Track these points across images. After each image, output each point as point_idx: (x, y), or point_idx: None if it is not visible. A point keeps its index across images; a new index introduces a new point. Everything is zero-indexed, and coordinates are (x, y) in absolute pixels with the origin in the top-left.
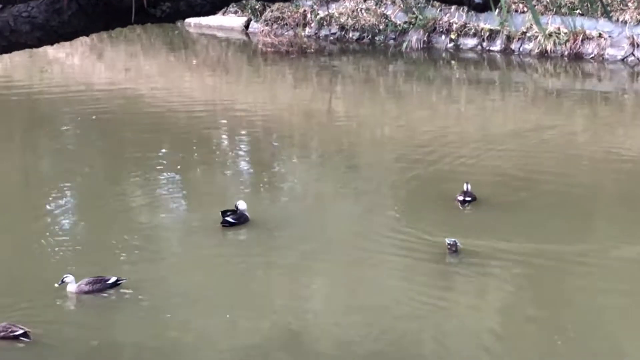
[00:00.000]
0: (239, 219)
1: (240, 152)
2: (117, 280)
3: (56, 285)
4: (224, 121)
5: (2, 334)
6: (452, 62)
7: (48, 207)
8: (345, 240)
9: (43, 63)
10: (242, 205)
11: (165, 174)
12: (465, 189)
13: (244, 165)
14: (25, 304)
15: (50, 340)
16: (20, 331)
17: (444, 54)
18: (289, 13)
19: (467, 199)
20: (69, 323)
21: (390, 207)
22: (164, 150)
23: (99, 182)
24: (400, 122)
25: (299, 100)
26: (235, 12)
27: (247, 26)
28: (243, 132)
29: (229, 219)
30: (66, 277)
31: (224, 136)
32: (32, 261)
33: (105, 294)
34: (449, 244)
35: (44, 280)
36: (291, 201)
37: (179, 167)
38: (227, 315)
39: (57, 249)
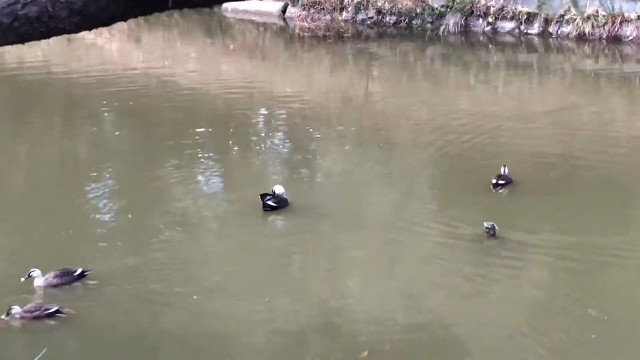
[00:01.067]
0: (279, 203)
1: (277, 136)
2: (83, 272)
3: (22, 279)
4: (261, 105)
5: (36, 313)
6: (490, 45)
7: (85, 191)
8: (381, 223)
9: (81, 48)
10: (279, 189)
11: (202, 158)
12: (502, 172)
13: (281, 149)
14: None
15: (85, 320)
16: (54, 308)
17: (481, 38)
18: None
19: (501, 182)
20: (98, 305)
21: (426, 190)
22: (201, 135)
23: (136, 167)
24: (437, 105)
25: (336, 84)
26: None
27: (284, 11)
28: (280, 116)
29: (270, 202)
30: (32, 271)
31: (261, 120)
32: (70, 245)
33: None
34: (486, 228)
35: (85, 263)
36: (328, 184)
37: (216, 151)
38: (267, 299)
39: (94, 233)
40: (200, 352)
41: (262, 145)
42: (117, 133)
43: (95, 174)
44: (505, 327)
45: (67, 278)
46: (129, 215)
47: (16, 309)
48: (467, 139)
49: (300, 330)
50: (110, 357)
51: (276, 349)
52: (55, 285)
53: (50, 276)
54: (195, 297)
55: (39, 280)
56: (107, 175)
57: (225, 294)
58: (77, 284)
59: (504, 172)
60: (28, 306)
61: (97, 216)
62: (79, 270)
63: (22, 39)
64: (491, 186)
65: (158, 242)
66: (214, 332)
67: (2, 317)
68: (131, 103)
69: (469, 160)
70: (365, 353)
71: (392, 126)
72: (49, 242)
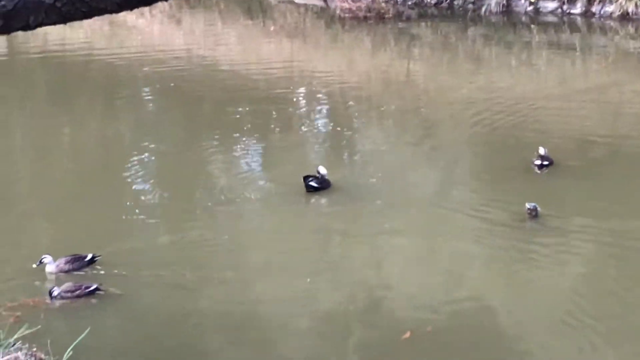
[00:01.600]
0: (322, 184)
1: (319, 117)
2: (93, 257)
3: (34, 266)
4: (302, 86)
5: (77, 292)
6: (532, 25)
7: (127, 171)
8: (423, 204)
9: (122, 30)
10: (322, 170)
11: (243, 138)
12: (542, 153)
13: (322, 129)
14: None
15: (128, 300)
16: (94, 286)
17: (523, 18)
18: None
19: (545, 163)
20: (140, 285)
21: (468, 171)
22: (242, 115)
23: (177, 148)
24: (478, 86)
25: (377, 65)
26: None
27: None
28: (321, 96)
29: (312, 183)
30: (44, 257)
31: (302, 101)
32: (111, 224)
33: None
34: (528, 209)
35: (130, 247)
36: (370, 165)
37: (257, 131)
38: (308, 280)
39: (135, 212)
40: (242, 332)
41: (303, 126)
42: (158, 114)
43: (137, 155)
44: (550, 311)
45: (78, 264)
46: (171, 195)
47: (56, 290)
48: (508, 119)
49: (342, 311)
50: (152, 337)
51: (317, 330)
52: (67, 271)
53: (61, 262)
54: (237, 277)
55: (51, 266)
56: (149, 156)
57: (267, 275)
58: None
59: (544, 152)
60: (67, 285)
61: (139, 196)
62: (90, 256)
63: (64, 18)
64: (535, 167)
65: (200, 223)
66: (255, 313)
67: (47, 300)
68: (172, 84)
69: (511, 140)
70: (408, 334)
71: (433, 106)
72: (91, 221)
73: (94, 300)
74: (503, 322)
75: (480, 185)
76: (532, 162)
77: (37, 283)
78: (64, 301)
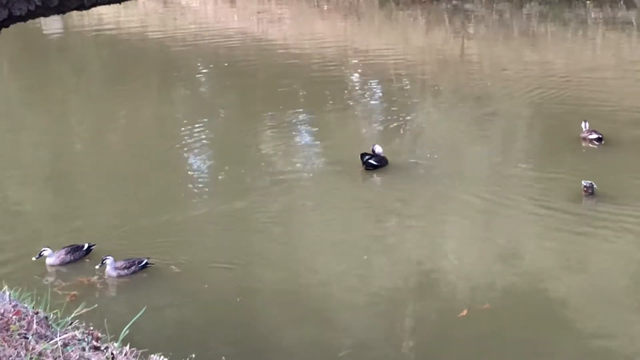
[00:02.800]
0: (380, 162)
1: (373, 96)
2: (90, 247)
3: (33, 259)
4: (356, 65)
5: (133, 268)
6: (587, 2)
7: (182, 149)
8: (478, 182)
9: (176, 10)
10: (378, 148)
11: (298, 117)
12: (584, 127)
13: (376, 107)
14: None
15: (184, 277)
16: (144, 260)
17: None
18: None
19: (598, 137)
20: (195, 262)
21: (523, 148)
22: (295, 94)
23: (232, 128)
24: (533, 63)
25: (432, 43)
26: None
27: None
28: (375, 75)
29: (372, 161)
30: (44, 250)
31: (356, 80)
32: (166, 202)
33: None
34: (585, 187)
35: (184, 222)
36: (424, 143)
37: (312, 110)
38: (365, 257)
39: (191, 190)
40: (297, 308)
41: (358, 104)
42: (212, 92)
43: (191, 133)
44: (607, 290)
45: (78, 254)
46: (225, 172)
47: (110, 268)
48: (564, 95)
49: (398, 288)
50: (207, 314)
51: (373, 307)
52: (67, 262)
53: (61, 253)
54: (292, 254)
55: (50, 259)
56: (203, 134)
57: (322, 252)
58: (87, 259)
59: (586, 126)
60: (120, 263)
61: (194, 173)
62: (86, 245)
63: None
64: (588, 142)
65: (254, 200)
66: (311, 290)
67: (104, 277)
68: (226, 64)
69: (566, 115)
70: (465, 312)
71: (488, 84)
72: (146, 196)
73: (144, 275)
74: (559, 300)
75: (535, 162)
76: (586, 137)
77: (87, 261)
78: (121, 279)
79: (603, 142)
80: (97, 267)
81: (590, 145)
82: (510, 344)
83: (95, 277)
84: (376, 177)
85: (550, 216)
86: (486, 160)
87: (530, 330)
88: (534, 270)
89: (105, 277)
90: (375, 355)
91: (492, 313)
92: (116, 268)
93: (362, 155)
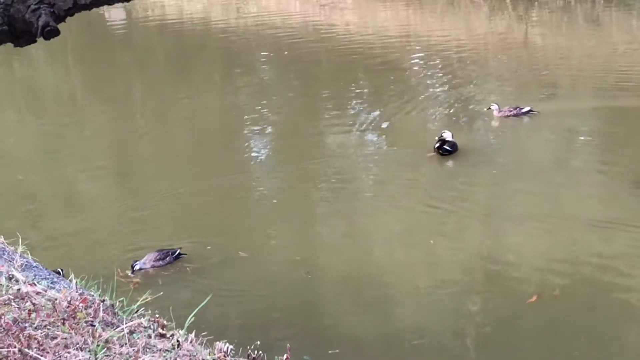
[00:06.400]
0: (453, 147)
1: (436, 82)
2: (180, 253)
3: (128, 273)
4: (419, 52)
5: (167, 259)
6: None
7: (244, 140)
8: (544, 169)
9: (239, 0)
10: (447, 134)
11: (361, 105)
12: None
13: (440, 95)
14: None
15: (250, 265)
16: (177, 250)
17: None
18: None
19: None
20: (261, 250)
21: (588, 136)
22: (359, 83)
23: (295, 117)
24: (598, 50)
25: (495, 29)
26: None
27: None
28: (438, 62)
29: (446, 147)
30: (135, 264)
31: (419, 67)
32: (231, 194)
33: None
34: None
35: (251, 212)
36: (490, 131)
37: (375, 98)
38: (431, 241)
39: (253, 179)
40: (361, 296)
41: (422, 91)
42: (275, 81)
43: (253, 123)
44: None
45: (168, 259)
46: (287, 161)
47: (140, 263)
48: (629, 82)
49: (466, 274)
50: (272, 302)
51: (440, 293)
52: (157, 267)
53: (151, 258)
54: (356, 241)
55: (139, 264)
56: (265, 124)
57: (389, 239)
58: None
59: None
60: (152, 255)
61: (257, 163)
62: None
63: None
64: None
65: (320, 187)
66: (376, 277)
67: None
68: (286, 53)
69: (631, 101)
70: (534, 298)
71: (552, 70)
72: (207, 187)
73: (211, 261)
74: (630, 288)
75: (599, 154)
76: None
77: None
78: (157, 269)
79: None
80: (129, 273)
81: None
82: (579, 331)
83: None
84: (445, 164)
85: (617, 203)
86: (552, 148)
87: (599, 318)
88: (604, 257)
89: (140, 270)
90: (445, 341)
91: (562, 299)
92: (150, 260)
93: (438, 141)
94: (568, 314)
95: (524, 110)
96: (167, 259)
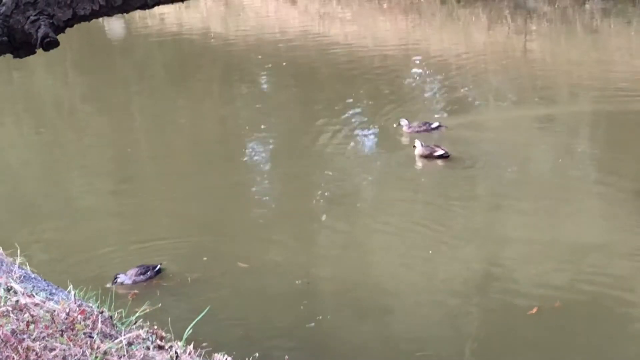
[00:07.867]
0: (442, 156)
1: (435, 94)
2: (160, 269)
3: (108, 285)
4: (418, 63)
5: (148, 273)
6: None
7: (243, 152)
8: (543, 178)
9: (238, 10)
10: (418, 144)
11: (359, 117)
12: None
13: (438, 104)
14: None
15: (250, 275)
16: (158, 266)
17: None
18: None
19: None
20: (260, 261)
21: (587, 148)
22: (357, 93)
23: (292, 127)
24: (597, 61)
25: (494, 41)
26: None
27: None
28: (437, 73)
29: (442, 151)
30: (118, 277)
31: (417, 78)
32: (230, 204)
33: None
34: None
35: (249, 221)
36: (487, 139)
37: (373, 109)
38: (430, 251)
39: (252, 190)
40: (360, 303)
41: (419, 103)
42: (273, 93)
43: (252, 135)
44: None
45: (150, 274)
46: (286, 171)
47: (123, 276)
48: (628, 96)
49: (465, 284)
50: (271, 311)
51: (439, 302)
52: (139, 282)
53: (133, 274)
54: (356, 248)
55: (122, 278)
56: (264, 135)
57: (386, 247)
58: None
59: None
60: (134, 270)
61: (255, 173)
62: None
63: None
64: None
65: (318, 198)
66: (375, 287)
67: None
68: (284, 63)
69: (630, 116)
70: (535, 309)
71: (551, 82)
72: (206, 198)
73: (209, 273)
74: (633, 299)
75: (599, 162)
76: None
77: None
78: (137, 284)
79: None
80: (109, 285)
81: None
82: (580, 343)
83: (157, 278)
84: (440, 172)
85: (618, 213)
86: (550, 157)
87: (602, 328)
88: (605, 267)
89: (122, 284)
90: (446, 353)
91: (563, 311)
92: (131, 276)
93: (431, 150)
94: (569, 325)
95: (433, 126)
96: (148, 273)
